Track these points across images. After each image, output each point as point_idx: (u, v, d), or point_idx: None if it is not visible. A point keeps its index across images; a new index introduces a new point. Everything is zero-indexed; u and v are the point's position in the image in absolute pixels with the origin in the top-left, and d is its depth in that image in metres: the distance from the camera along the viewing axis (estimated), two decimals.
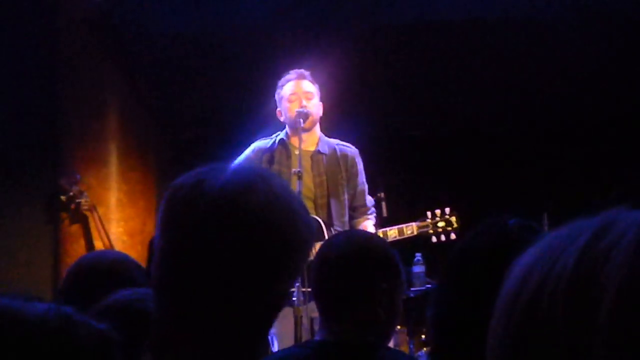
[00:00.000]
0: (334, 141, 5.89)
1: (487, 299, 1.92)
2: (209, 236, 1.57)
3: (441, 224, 5.70)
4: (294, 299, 5.09)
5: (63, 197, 7.53)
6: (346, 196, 5.78)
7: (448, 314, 1.98)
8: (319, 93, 5.79)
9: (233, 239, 1.56)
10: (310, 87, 5.73)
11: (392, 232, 5.62)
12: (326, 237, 5.46)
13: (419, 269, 6.85)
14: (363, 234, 3.57)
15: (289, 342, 5.19)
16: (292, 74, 5.76)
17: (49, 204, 7.91)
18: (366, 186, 5.93)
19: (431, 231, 5.70)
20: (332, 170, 5.75)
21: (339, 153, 5.82)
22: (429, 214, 5.73)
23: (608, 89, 8.10)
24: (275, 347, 5.51)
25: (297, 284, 5.07)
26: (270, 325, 1.70)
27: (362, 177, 5.88)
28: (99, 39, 8.02)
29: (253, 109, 6.80)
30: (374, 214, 5.91)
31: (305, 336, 5.05)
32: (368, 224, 5.75)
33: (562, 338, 0.80)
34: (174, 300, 1.57)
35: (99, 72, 7.97)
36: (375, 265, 2.86)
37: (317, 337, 2.97)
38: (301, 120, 5.52)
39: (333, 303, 2.86)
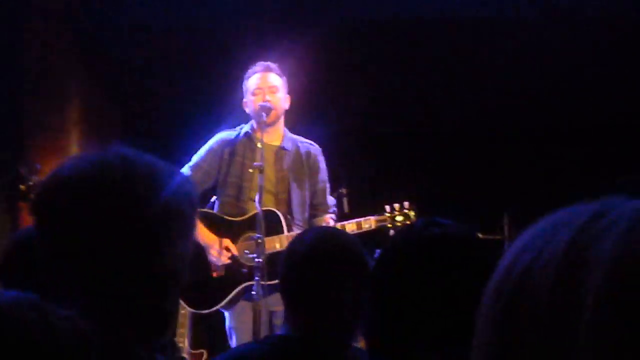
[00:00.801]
0: (298, 138, 5.89)
1: (401, 288, 2.00)
2: (73, 218, 1.60)
3: (399, 217, 5.68)
4: (253, 292, 5.09)
5: (22, 187, 7.47)
6: (307, 193, 5.78)
7: (376, 309, 2.05)
8: (285, 86, 5.77)
9: (93, 216, 1.59)
10: (276, 80, 5.71)
11: (351, 226, 5.61)
12: (285, 231, 5.47)
13: None
14: (334, 231, 3.56)
15: (248, 336, 5.19)
16: (259, 66, 5.74)
17: (8, 194, 7.85)
18: (328, 185, 5.93)
19: (389, 225, 5.68)
20: (295, 167, 5.75)
21: (302, 150, 5.82)
22: (387, 207, 5.72)
23: (576, 91, 8.15)
24: (234, 342, 5.51)
25: (257, 278, 5.07)
26: (170, 306, 1.69)
27: (323, 175, 5.88)
28: (63, 29, 7.96)
29: (218, 101, 6.78)
30: (335, 214, 5.90)
31: (263, 330, 5.05)
32: (329, 222, 5.73)
33: (549, 315, 0.80)
34: (62, 285, 1.57)
35: (62, 62, 7.91)
36: (344, 262, 2.86)
37: (280, 332, 2.96)
38: (264, 114, 5.51)
39: (299, 298, 2.86)
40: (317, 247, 2.89)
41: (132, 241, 1.60)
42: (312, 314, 2.82)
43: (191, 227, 1.72)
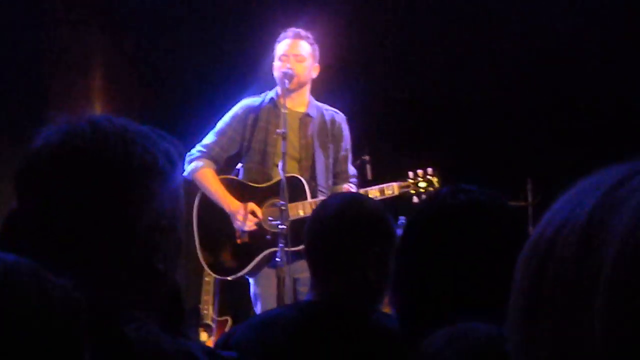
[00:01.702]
0: (323, 106, 5.88)
1: (430, 257, 2.02)
2: (47, 188, 1.63)
3: (422, 184, 5.66)
4: (277, 259, 5.10)
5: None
6: (331, 160, 5.78)
7: (404, 275, 2.06)
8: (314, 55, 5.75)
9: (65, 183, 1.62)
10: (304, 48, 5.69)
11: (373, 192, 5.59)
12: (309, 198, 5.48)
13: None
14: (358, 197, 3.55)
15: (272, 303, 5.21)
16: (290, 32, 5.72)
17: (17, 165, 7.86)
18: (350, 154, 5.92)
19: (412, 191, 5.65)
20: (320, 134, 5.74)
21: (327, 118, 5.81)
22: (410, 174, 5.69)
23: (594, 59, 8.10)
24: (259, 309, 5.53)
25: (281, 245, 5.09)
26: (164, 267, 1.70)
27: (347, 143, 5.88)
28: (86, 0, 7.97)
29: (242, 67, 6.78)
30: (356, 182, 5.89)
31: (288, 297, 5.06)
32: (350, 189, 5.72)
33: (572, 281, 0.81)
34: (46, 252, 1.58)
35: (84, 31, 7.92)
36: (369, 228, 2.86)
37: (306, 298, 2.97)
38: (286, 81, 5.50)
39: (324, 264, 2.87)
40: (343, 212, 2.89)
41: (107, 201, 1.62)
42: (338, 280, 2.82)
43: (170, 183, 1.72)
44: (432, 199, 2.19)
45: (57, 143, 1.63)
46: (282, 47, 5.69)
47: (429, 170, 5.68)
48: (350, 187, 5.75)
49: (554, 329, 0.83)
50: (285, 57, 5.64)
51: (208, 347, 2.01)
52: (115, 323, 1.58)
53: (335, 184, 5.82)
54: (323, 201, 3.18)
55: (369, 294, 2.85)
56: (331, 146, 5.77)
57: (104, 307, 1.56)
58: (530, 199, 7.39)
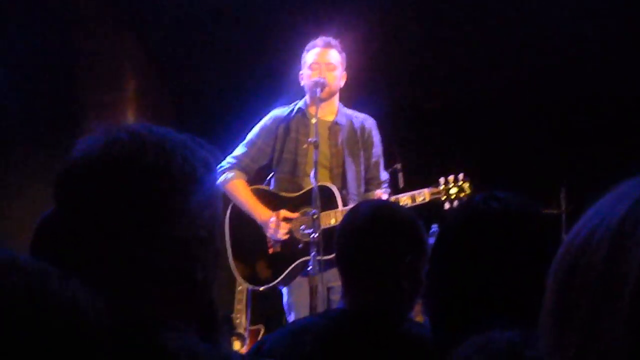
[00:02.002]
0: (352, 112, 5.87)
1: (462, 264, 2.01)
2: (85, 197, 1.63)
3: (454, 190, 5.61)
4: (309, 268, 5.10)
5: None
6: (362, 167, 5.77)
7: (437, 283, 2.05)
8: (343, 63, 5.74)
9: (104, 192, 1.61)
10: (334, 57, 5.68)
11: (404, 199, 5.56)
12: (340, 206, 5.46)
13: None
14: (389, 204, 3.53)
15: (305, 311, 5.20)
16: (320, 40, 5.71)
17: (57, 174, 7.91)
18: (382, 160, 5.90)
19: (444, 197, 5.60)
20: (349, 141, 5.73)
21: (356, 125, 5.80)
22: (441, 180, 5.66)
23: (627, 60, 8.05)
24: (292, 317, 5.53)
25: (313, 253, 5.08)
26: (201, 277, 1.70)
27: (377, 149, 5.86)
28: (117, 9, 8.00)
29: (272, 76, 6.79)
30: (388, 189, 5.87)
31: (321, 306, 5.05)
32: (382, 197, 5.69)
33: (600, 284, 0.81)
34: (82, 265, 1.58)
35: (117, 42, 7.97)
36: (401, 236, 2.85)
37: (338, 306, 2.96)
38: (318, 90, 5.50)
39: (356, 272, 2.86)
40: (372, 220, 2.88)
41: (146, 211, 1.61)
42: (369, 288, 2.82)
43: (209, 193, 1.72)
44: (465, 206, 2.18)
45: (97, 152, 1.64)
46: (311, 56, 5.69)
47: (460, 175, 5.64)
48: (381, 193, 5.74)
49: (581, 332, 0.83)
50: (316, 65, 5.64)
51: (248, 356, 2.00)
52: (154, 333, 1.58)
53: (367, 190, 5.80)
54: (352, 208, 3.16)
55: (401, 302, 2.84)
56: (362, 153, 5.76)
57: (142, 317, 1.57)
58: (563, 206, 7.34)
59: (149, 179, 1.62)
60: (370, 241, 2.83)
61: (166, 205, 1.63)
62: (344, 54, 5.75)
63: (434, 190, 5.60)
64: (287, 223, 5.57)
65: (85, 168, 1.64)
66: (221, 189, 5.57)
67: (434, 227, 6.99)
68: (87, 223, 1.62)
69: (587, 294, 0.83)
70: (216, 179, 1.76)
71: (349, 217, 2.99)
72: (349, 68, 5.82)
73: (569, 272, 0.87)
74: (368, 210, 2.97)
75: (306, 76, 5.67)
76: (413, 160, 7.12)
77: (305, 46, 5.77)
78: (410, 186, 5.98)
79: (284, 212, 5.57)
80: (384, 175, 5.90)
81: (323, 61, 5.64)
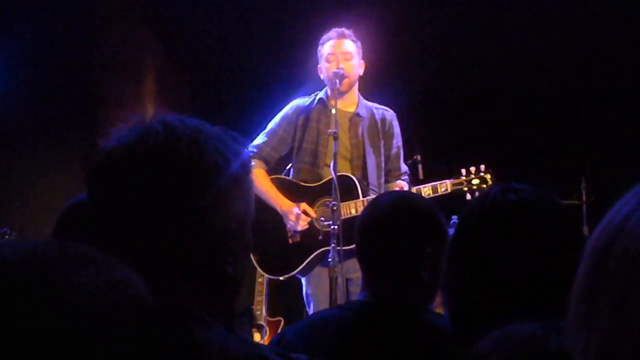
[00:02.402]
0: (373, 104, 5.87)
1: (480, 257, 2.00)
2: (121, 186, 1.65)
3: (475, 181, 5.60)
4: (329, 259, 5.09)
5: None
6: (382, 159, 5.76)
7: (456, 276, 2.05)
8: (359, 52, 5.74)
9: (139, 181, 1.63)
10: (350, 46, 5.68)
11: (426, 190, 5.56)
12: (360, 196, 5.46)
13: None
14: (410, 195, 3.52)
15: (325, 303, 5.20)
16: (333, 32, 5.72)
17: (85, 167, 7.95)
18: (402, 151, 5.90)
19: (465, 188, 5.59)
20: (370, 133, 5.73)
21: (377, 116, 5.80)
22: (463, 171, 5.65)
23: None
24: (311, 309, 5.53)
25: (333, 244, 5.07)
26: (233, 270, 1.70)
27: (398, 140, 5.86)
28: (136, 3, 8.02)
29: (291, 68, 6.79)
30: (407, 180, 5.87)
31: (340, 297, 5.05)
32: (403, 188, 5.69)
33: (629, 277, 0.81)
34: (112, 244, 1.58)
35: (136, 35, 7.99)
36: (422, 228, 2.84)
37: (359, 298, 2.95)
38: (337, 81, 5.49)
39: (376, 264, 2.85)
40: (393, 211, 2.87)
41: (179, 202, 1.62)
42: (390, 279, 2.81)
43: (242, 185, 1.72)
44: (482, 198, 2.16)
45: (131, 143, 1.65)
46: (327, 47, 5.69)
47: (482, 167, 5.63)
48: (403, 184, 5.74)
49: (611, 318, 0.83)
50: (333, 56, 5.63)
51: (279, 349, 1.99)
52: (186, 325, 1.59)
53: (387, 181, 5.80)
54: (373, 200, 3.15)
55: (421, 293, 2.83)
56: (382, 144, 5.76)
57: (173, 308, 1.57)
58: (584, 197, 7.31)
59: (182, 169, 1.64)
60: (390, 232, 2.82)
61: (199, 196, 1.64)
62: (359, 43, 5.75)
63: (456, 181, 5.59)
64: (308, 214, 5.57)
65: (121, 157, 1.65)
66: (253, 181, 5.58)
67: (454, 219, 6.99)
68: (121, 212, 1.63)
69: (619, 278, 0.83)
70: (249, 172, 1.77)
71: (370, 208, 2.98)
72: (367, 59, 5.82)
73: (603, 254, 0.86)
74: (389, 201, 2.96)
75: (324, 69, 5.67)
76: (433, 150, 7.11)
77: (320, 38, 5.77)
78: (430, 176, 5.98)
79: (304, 205, 5.58)
80: (404, 167, 5.91)
81: (339, 51, 5.64)
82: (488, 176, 5.62)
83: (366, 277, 2.89)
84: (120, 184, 1.64)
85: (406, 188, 5.65)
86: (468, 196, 5.58)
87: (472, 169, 5.63)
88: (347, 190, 5.39)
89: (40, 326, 0.95)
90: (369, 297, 2.84)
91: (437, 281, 2.80)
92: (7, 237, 7.51)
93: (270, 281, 7.15)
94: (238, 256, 1.72)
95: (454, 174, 5.64)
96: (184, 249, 1.63)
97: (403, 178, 5.84)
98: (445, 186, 5.58)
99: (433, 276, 2.79)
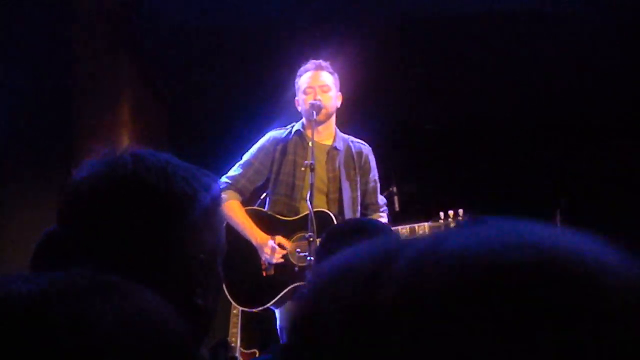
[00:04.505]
0: (349, 137, 5.87)
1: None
2: (89, 217, 1.65)
3: (454, 225, 5.64)
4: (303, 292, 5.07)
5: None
6: (359, 193, 5.76)
7: None
8: (337, 84, 5.75)
9: (108, 212, 1.63)
10: (327, 78, 5.69)
11: (404, 231, 5.59)
12: None
13: None
14: (357, 221, 3.42)
15: None
16: (310, 64, 5.73)
17: (60, 194, 7.92)
18: (378, 184, 5.90)
19: None
20: (347, 166, 5.73)
21: (353, 150, 5.80)
22: (441, 214, 5.68)
23: (622, 85, 8.07)
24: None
25: (308, 277, 5.05)
26: (203, 302, 1.69)
27: (374, 174, 5.86)
28: (115, 31, 8.02)
29: (267, 101, 6.80)
30: (386, 212, 5.88)
31: None
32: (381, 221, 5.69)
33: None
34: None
35: (114, 64, 7.98)
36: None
37: None
38: (314, 113, 5.50)
39: None
40: (340, 238, 2.85)
41: (147, 232, 1.62)
42: None
43: (211, 217, 1.72)
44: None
45: (100, 174, 1.66)
46: (304, 80, 5.70)
47: (460, 211, 5.66)
48: (381, 217, 5.75)
49: None
50: (310, 89, 5.64)
51: None
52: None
53: (364, 215, 5.79)
54: (331, 227, 3.09)
55: None
56: (358, 179, 5.76)
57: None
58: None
59: (150, 200, 1.64)
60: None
61: (166, 226, 1.64)
62: (336, 75, 5.76)
63: (435, 224, 5.63)
64: (283, 248, 5.55)
65: (89, 189, 1.67)
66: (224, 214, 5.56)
67: None
68: (89, 242, 1.63)
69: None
70: (219, 205, 1.76)
71: (326, 236, 2.96)
72: (345, 90, 5.83)
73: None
74: (333, 229, 2.93)
75: (302, 101, 5.68)
76: (408, 182, 7.11)
77: (297, 70, 5.78)
78: (405, 209, 5.98)
79: (280, 238, 5.56)
80: (382, 200, 5.91)
81: (316, 84, 5.65)
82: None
83: None
84: (89, 215, 1.65)
85: (385, 221, 5.66)
86: None
87: (451, 212, 5.67)
88: (324, 226, 5.37)
89: (66, 356, 0.95)
90: None
91: None
92: None
93: (245, 313, 7.12)
94: (208, 288, 1.71)
95: (432, 210, 5.66)
96: (152, 280, 1.62)
97: (382, 210, 5.85)
98: (423, 228, 5.61)
99: None
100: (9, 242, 8.24)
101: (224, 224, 1.81)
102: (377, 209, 5.84)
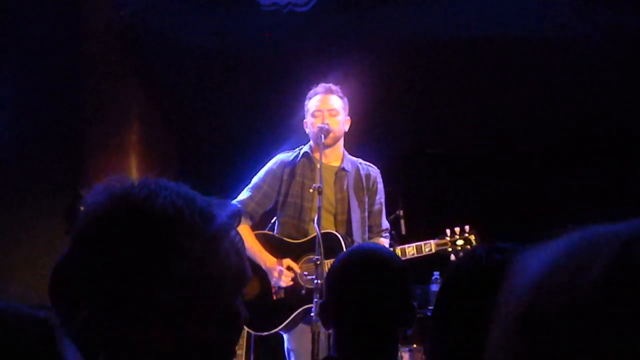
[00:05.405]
0: (357, 160, 5.88)
1: (466, 318, 2.00)
2: (97, 247, 1.65)
3: (460, 242, 5.64)
4: (312, 314, 5.08)
5: (83, 208, 7.54)
6: (366, 214, 5.77)
7: (439, 338, 2.04)
8: (346, 108, 5.77)
9: (117, 243, 1.64)
10: (336, 102, 5.71)
11: (410, 250, 5.58)
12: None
13: (436, 287, 6.80)
14: (366, 248, 3.39)
15: (306, 358, 5.19)
16: (320, 87, 5.75)
17: (69, 214, 7.94)
18: (384, 208, 5.91)
19: (450, 249, 5.63)
20: (355, 188, 5.74)
21: (362, 172, 5.81)
22: (448, 231, 5.67)
23: (630, 108, 8.07)
24: None
25: (316, 299, 5.07)
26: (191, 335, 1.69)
27: (381, 196, 5.87)
28: (123, 51, 8.05)
29: (275, 123, 6.81)
30: (389, 237, 5.88)
31: (322, 353, 5.03)
32: (384, 244, 5.68)
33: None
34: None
35: (122, 84, 8.01)
36: (373, 279, 2.74)
37: (331, 354, 2.92)
38: (322, 136, 5.52)
39: (333, 317, 2.80)
40: (346, 266, 2.85)
41: (146, 257, 1.63)
42: (346, 333, 2.78)
43: (218, 248, 1.72)
44: (467, 259, 2.16)
45: (108, 203, 1.67)
46: (314, 103, 5.72)
47: (466, 227, 5.66)
48: (384, 241, 5.75)
49: None
50: (319, 112, 5.66)
51: None
52: None
53: (368, 237, 5.80)
54: (342, 256, 3.09)
55: (378, 347, 2.77)
56: (366, 200, 5.77)
57: None
58: None
59: (159, 230, 1.64)
60: (342, 286, 2.79)
61: (175, 256, 1.64)
62: (345, 99, 5.78)
63: (441, 241, 5.62)
64: (292, 271, 5.56)
65: (97, 219, 1.67)
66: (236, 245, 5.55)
67: (436, 275, 6.99)
68: (99, 267, 1.63)
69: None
70: (227, 236, 1.75)
71: (331, 265, 2.97)
72: (352, 113, 5.85)
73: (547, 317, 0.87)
74: (343, 256, 2.93)
75: (310, 124, 5.70)
76: (416, 205, 7.12)
77: (307, 93, 5.80)
78: (412, 232, 5.98)
79: (288, 261, 5.57)
80: (385, 224, 5.91)
81: (325, 107, 5.67)
82: (472, 237, 5.65)
83: (333, 331, 2.85)
84: (100, 242, 1.65)
85: (387, 245, 5.65)
86: (452, 257, 5.60)
87: (457, 229, 5.67)
88: (332, 248, 5.38)
89: None
90: (334, 351, 2.80)
91: (394, 335, 2.77)
92: None
93: (251, 335, 7.11)
94: (205, 315, 1.69)
95: (438, 233, 5.66)
96: (156, 303, 1.62)
97: (384, 235, 5.85)
98: (429, 246, 5.61)
99: (391, 330, 2.75)
100: (17, 261, 8.25)
101: (243, 252, 1.80)
102: (380, 231, 5.84)
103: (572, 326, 0.83)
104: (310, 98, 5.77)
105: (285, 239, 5.66)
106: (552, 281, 0.87)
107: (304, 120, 5.79)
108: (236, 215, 1.80)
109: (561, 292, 0.85)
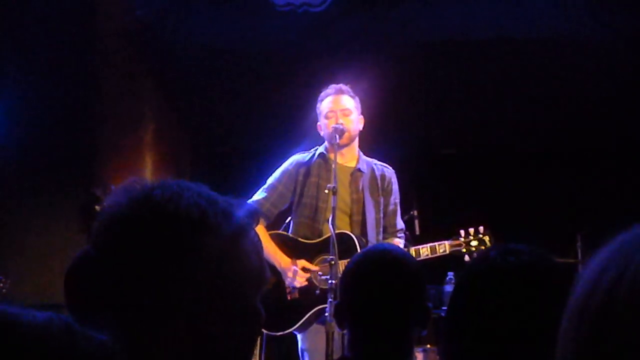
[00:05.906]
0: (373, 160, 5.88)
1: (480, 319, 2.00)
2: (117, 250, 1.64)
3: (474, 242, 5.63)
4: (326, 314, 5.08)
5: (97, 207, 7.57)
6: (381, 215, 5.76)
7: (455, 339, 2.04)
8: (358, 107, 5.77)
9: (138, 244, 1.63)
10: (348, 102, 5.72)
11: (424, 250, 5.57)
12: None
13: (451, 287, 6.80)
14: (381, 248, 3.39)
15: (320, 358, 5.18)
16: (331, 88, 5.76)
17: (83, 214, 7.96)
18: (399, 208, 5.90)
19: (464, 250, 5.62)
20: (370, 188, 5.74)
21: (377, 172, 5.81)
22: (462, 232, 5.66)
23: None
24: None
25: (330, 299, 5.06)
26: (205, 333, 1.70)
27: (395, 197, 5.86)
28: (137, 51, 8.07)
29: (289, 123, 6.82)
30: (403, 238, 5.87)
31: (336, 353, 5.03)
32: (399, 244, 5.67)
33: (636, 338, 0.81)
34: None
35: (136, 84, 8.03)
36: (388, 280, 2.75)
37: (345, 354, 2.93)
38: (337, 136, 5.51)
39: (348, 317, 2.81)
40: (361, 266, 2.85)
41: (163, 259, 1.63)
42: (360, 333, 2.79)
43: (239, 249, 1.71)
44: (482, 260, 2.15)
45: (129, 205, 1.67)
46: (326, 104, 5.72)
47: (481, 228, 5.65)
48: (398, 241, 5.74)
49: None
50: (332, 113, 5.66)
51: None
52: None
53: (383, 238, 5.79)
54: (357, 255, 3.09)
55: (395, 347, 2.77)
56: (381, 200, 5.76)
57: None
58: (580, 256, 7.30)
59: (183, 230, 1.64)
60: (357, 287, 2.79)
61: (199, 254, 1.64)
62: (357, 98, 5.78)
63: (455, 242, 5.61)
64: (306, 272, 5.56)
65: (124, 220, 1.66)
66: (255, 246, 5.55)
67: (450, 275, 6.99)
68: (124, 269, 1.63)
69: (625, 344, 0.82)
70: (248, 236, 1.76)
71: (346, 266, 2.97)
72: (366, 114, 5.85)
73: (596, 323, 0.86)
74: (358, 257, 2.94)
75: (324, 125, 5.70)
76: (430, 207, 7.11)
77: (319, 95, 5.80)
78: (426, 232, 5.97)
79: (302, 262, 5.57)
80: (400, 224, 5.90)
81: (338, 108, 5.67)
82: (487, 238, 5.64)
83: (348, 332, 2.86)
84: (119, 245, 1.65)
85: (401, 246, 5.65)
86: (466, 258, 5.59)
87: (471, 230, 5.65)
88: (346, 248, 5.37)
89: None
90: (348, 351, 2.81)
91: (409, 335, 2.77)
92: (1, 284, 7.50)
93: (266, 334, 7.12)
94: (225, 315, 1.69)
95: (452, 234, 5.65)
96: (163, 307, 1.63)
97: (399, 235, 5.84)
98: (444, 247, 5.59)
99: (405, 330, 2.76)
100: (31, 260, 8.28)
101: (262, 252, 1.80)
102: (394, 232, 5.84)
103: None
104: (321, 100, 5.77)
105: (300, 239, 5.66)
106: (599, 285, 0.87)
107: (318, 124, 5.79)
108: (254, 216, 1.80)
109: (607, 292, 0.85)
